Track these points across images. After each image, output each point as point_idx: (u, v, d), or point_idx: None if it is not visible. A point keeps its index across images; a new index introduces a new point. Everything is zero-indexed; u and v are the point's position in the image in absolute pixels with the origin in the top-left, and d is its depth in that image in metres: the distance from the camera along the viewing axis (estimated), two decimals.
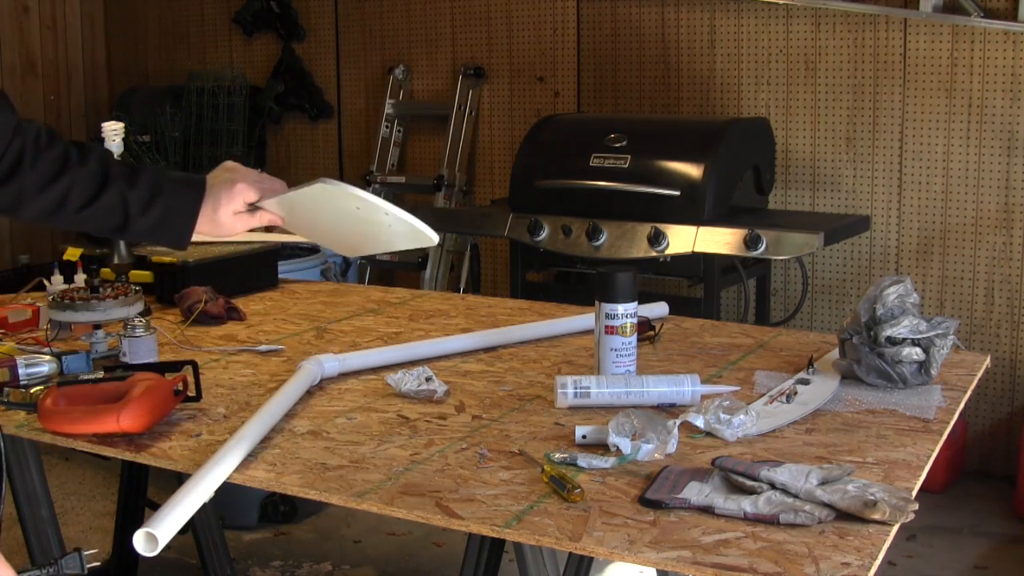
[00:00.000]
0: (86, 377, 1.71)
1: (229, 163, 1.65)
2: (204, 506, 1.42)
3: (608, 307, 1.76)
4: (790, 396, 1.68)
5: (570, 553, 1.73)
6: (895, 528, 1.24)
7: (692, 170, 3.42)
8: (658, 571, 1.49)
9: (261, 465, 1.49)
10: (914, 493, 1.34)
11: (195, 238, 1.60)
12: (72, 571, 1.26)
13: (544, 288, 3.91)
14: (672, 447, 1.47)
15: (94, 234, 1.71)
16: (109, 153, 1.60)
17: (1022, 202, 3.58)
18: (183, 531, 1.43)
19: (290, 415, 1.68)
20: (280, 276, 2.75)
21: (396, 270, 4.78)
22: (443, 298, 2.56)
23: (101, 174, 1.55)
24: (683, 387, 1.68)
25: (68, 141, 1.58)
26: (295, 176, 5.17)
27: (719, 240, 3.33)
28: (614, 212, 3.47)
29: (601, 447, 1.49)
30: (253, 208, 1.61)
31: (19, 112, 1.57)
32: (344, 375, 1.89)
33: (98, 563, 1.31)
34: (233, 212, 1.60)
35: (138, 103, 5.26)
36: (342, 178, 5.04)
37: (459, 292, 4.40)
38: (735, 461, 1.37)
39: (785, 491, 1.29)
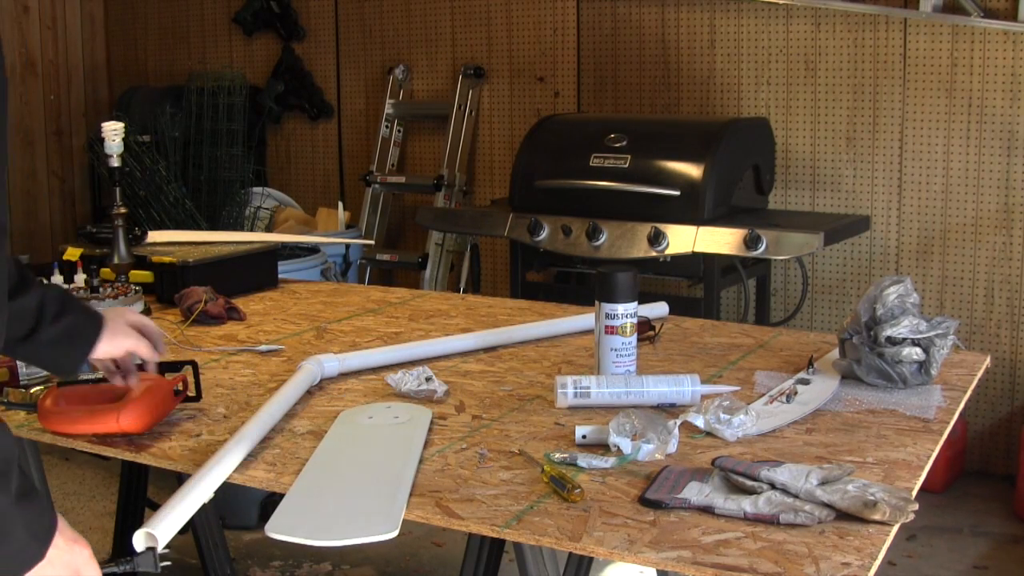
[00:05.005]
0: (86, 377, 1.71)
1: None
2: (204, 506, 1.42)
3: (608, 307, 1.76)
4: (790, 396, 1.68)
5: (570, 553, 1.73)
6: (895, 528, 1.24)
7: (692, 170, 3.42)
8: (658, 571, 1.49)
9: (261, 465, 1.49)
10: (914, 493, 1.34)
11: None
12: (147, 569, 1.29)
13: (544, 288, 3.91)
14: (672, 447, 1.47)
15: None
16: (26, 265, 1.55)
17: (1022, 202, 3.58)
18: (183, 531, 1.43)
19: (290, 415, 1.68)
20: (280, 276, 2.75)
21: (396, 270, 4.78)
22: (443, 298, 2.56)
23: (19, 276, 1.48)
24: (683, 387, 1.68)
25: None
26: (295, 176, 5.17)
27: (719, 240, 3.33)
28: (614, 212, 3.47)
29: (601, 447, 1.49)
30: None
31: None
32: (344, 375, 1.89)
33: (168, 563, 1.30)
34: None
35: (138, 103, 5.26)
36: (341, 178, 5.04)
37: (459, 292, 4.40)
38: (735, 461, 1.37)
39: (785, 491, 1.29)
